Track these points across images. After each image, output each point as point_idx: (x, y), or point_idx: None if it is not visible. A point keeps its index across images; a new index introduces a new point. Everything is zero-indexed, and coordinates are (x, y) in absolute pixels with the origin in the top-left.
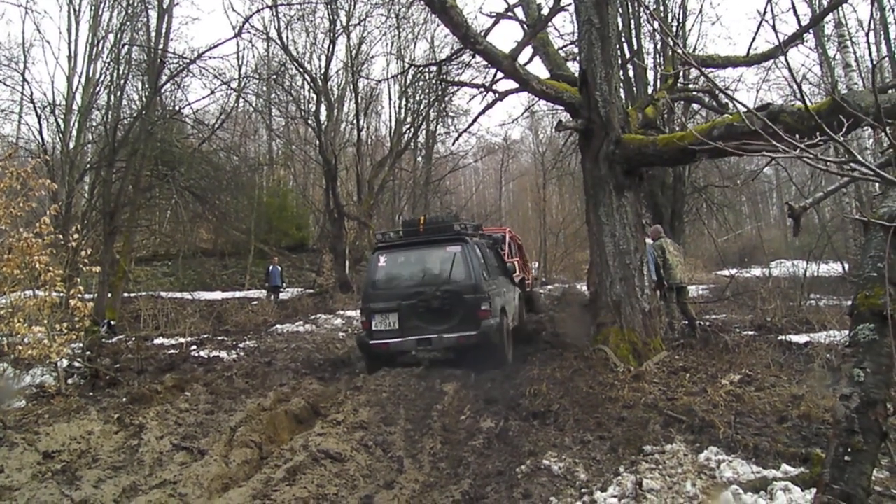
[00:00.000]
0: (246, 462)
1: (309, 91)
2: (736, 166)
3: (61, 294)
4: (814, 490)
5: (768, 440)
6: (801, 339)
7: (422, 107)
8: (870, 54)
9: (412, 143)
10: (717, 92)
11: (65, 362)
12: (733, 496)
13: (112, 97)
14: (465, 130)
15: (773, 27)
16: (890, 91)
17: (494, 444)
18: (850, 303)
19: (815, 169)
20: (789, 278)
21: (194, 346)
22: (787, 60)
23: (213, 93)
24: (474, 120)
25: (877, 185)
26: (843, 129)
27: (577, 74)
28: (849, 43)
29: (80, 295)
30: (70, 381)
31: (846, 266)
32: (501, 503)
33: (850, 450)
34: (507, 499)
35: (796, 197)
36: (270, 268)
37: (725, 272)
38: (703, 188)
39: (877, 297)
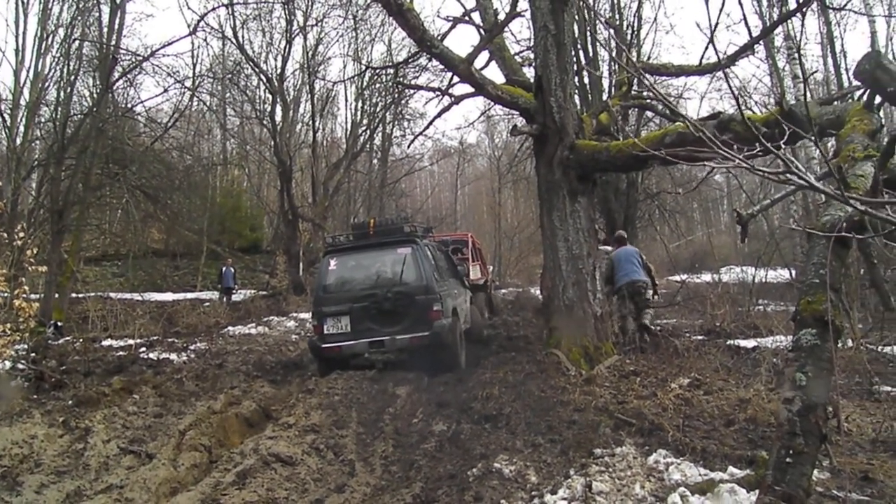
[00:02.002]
0: (195, 466)
1: (264, 91)
2: (688, 173)
3: (5, 294)
4: (758, 491)
5: (716, 443)
6: (749, 343)
7: (378, 109)
8: (825, 65)
9: (368, 146)
10: (669, 99)
11: (8, 364)
12: (680, 498)
13: (62, 93)
14: (420, 133)
15: (712, 41)
16: (835, 103)
17: (446, 448)
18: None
19: (764, 178)
20: (738, 284)
21: (143, 348)
22: (726, 74)
23: (166, 91)
24: (430, 123)
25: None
26: (785, 139)
27: (532, 80)
28: (797, 55)
29: (24, 295)
30: (13, 383)
31: (793, 272)
32: None
33: (791, 452)
34: (458, 502)
35: (745, 205)
36: (224, 269)
37: (676, 277)
38: (656, 194)
39: (819, 302)
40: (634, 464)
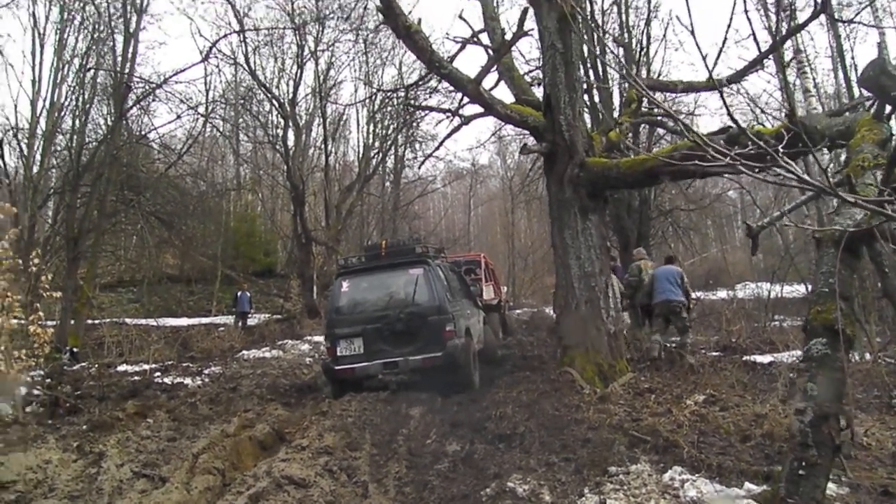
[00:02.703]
0: (208, 489)
1: (276, 116)
2: (701, 190)
3: (21, 321)
4: None
5: (731, 459)
6: (765, 359)
7: (389, 132)
8: (836, 79)
9: (380, 169)
10: (678, 117)
11: (23, 389)
12: None
13: (77, 121)
14: (431, 154)
15: (719, 58)
16: (845, 114)
17: (460, 468)
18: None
19: (779, 192)
20: (754, 300)
21: (158, 373)
22: (719, 91)
23: (179, 117)
24: (441, 143)
25: (833, 202)
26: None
27: (541, 99)
28: (807, 69)
29: (40, 321)
30: (28, 408)
31: (809, 287)
32: None
33: (804, 464)
34: None
35: (758, 219)
36: (239, 294)
37: (692, 295)
38: (669, 212)
39: (829, 312)
40: (649, 481)
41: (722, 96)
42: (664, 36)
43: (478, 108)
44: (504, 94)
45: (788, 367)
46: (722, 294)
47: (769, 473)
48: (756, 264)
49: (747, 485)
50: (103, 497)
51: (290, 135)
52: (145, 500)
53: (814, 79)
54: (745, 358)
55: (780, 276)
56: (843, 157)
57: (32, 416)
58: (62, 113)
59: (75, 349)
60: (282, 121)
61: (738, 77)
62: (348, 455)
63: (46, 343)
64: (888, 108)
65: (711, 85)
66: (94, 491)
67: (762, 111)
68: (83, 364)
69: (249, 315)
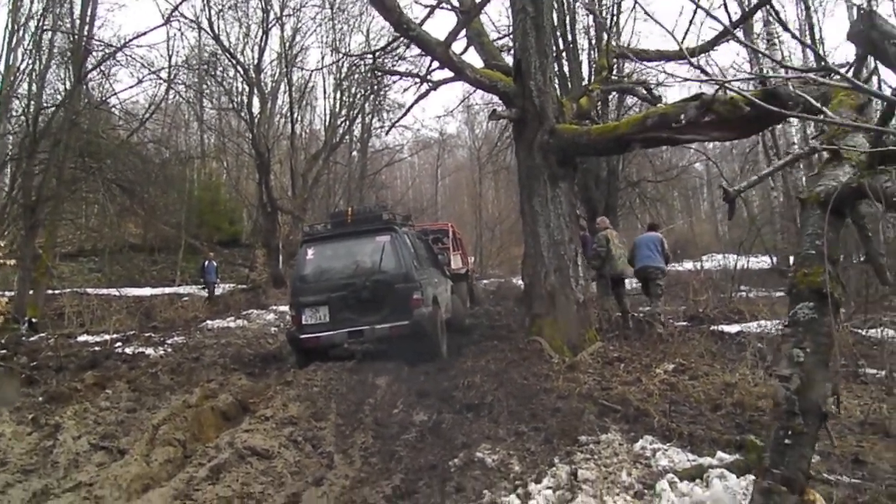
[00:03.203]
0: (168, 461)
1: (241, 83)
2: (668, 161)
3: None
4: (749, 476)
5: (703, 428)
6: (733, 328)
7: (356, 99)
8: (803, 52)
9: (347, 137)
10: (649, 84)
11: None
12: (669, 485)
13: (34, 86)
14: (398, 120)
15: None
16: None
17: (427, 438)
18: (779, 294)
19: (744, 164)
20: (720, 271)
21: (119, 343)
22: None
23: (140, 82)
24: (408, 109)
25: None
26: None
27: (511, 65)
28: (777, 40)
29: None
30: None
31: (775, 259)
32: (433, 497)
33: (790, 433)
34: (440, 493)
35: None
36: (206, 263)
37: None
38: (636, 183)
39: (816, 274)
40: (620, 450)
41: (694, 63)
42: (634, 6)
43: (447, 74)
44: (473, 60)
45: (757, 336)
46: (689, 265)
47: (742, 442)
48: (722, 236)
49: (719, 454)
50: (58, 470)
51: (256, 102)
52: (103, 473)
53: (782, 51)
54: (712, 328)
55: (747, 247)
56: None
57: None
58: (18, 77)
59: (34, 319)
60: (247, 87)
61: (709, 46)
62: (313, 425)
63: (1, 313)
64: (864, 73)
65: (682, 54)
66: (49, 464)
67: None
68: (42, 335)
69: (216, 284)
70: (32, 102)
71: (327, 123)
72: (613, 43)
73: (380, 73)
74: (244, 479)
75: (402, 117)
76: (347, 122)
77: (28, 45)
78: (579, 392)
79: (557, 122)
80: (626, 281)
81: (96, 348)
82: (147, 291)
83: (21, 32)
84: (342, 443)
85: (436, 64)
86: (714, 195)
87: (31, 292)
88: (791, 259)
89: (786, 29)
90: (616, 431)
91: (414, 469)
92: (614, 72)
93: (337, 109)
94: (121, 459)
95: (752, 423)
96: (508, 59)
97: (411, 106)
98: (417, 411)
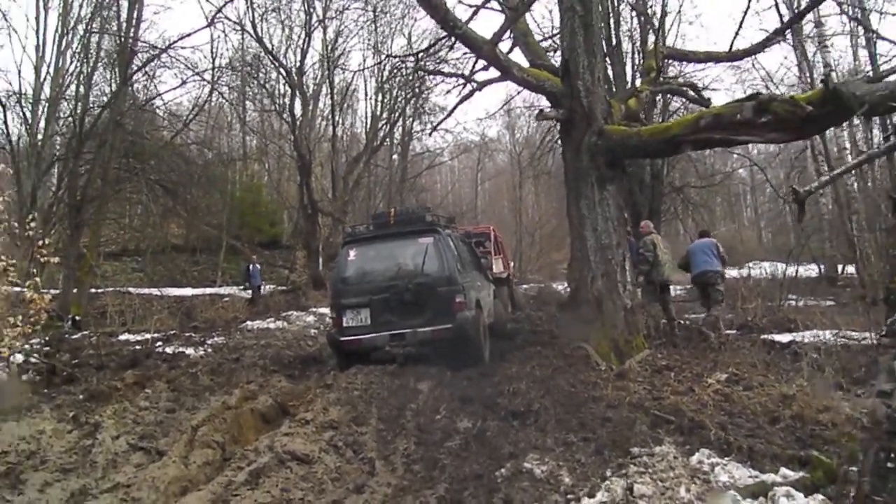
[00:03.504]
0: (207, 463)
1: (284, 85)
2: (711, 167)
3: (17, 286)
4: (818, 496)
5: (762, 442)
6: (784, 338)
7: (398, 102)
8: (855, 54)
9: (388, 140)
10: (699, 86)
11: (20, 357)
12: (733, 502)
13: (81, 88)
14: (442, 121)
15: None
16: (886, 79)
17: (472, 446)
18: (828, 303)
19: (790, 171)
20: (767, 278)
21: (160, 343)
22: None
23: (184, 83)
24: (452, 110)
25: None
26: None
27: (558, 65)
28: (828, 42)
29: (37, 288)
30: (25, 377)
31: (822, 267)
32: None
33: (893, 455)
34: None
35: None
36: (250, 266)
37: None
38: (680, 188)
39: None
40: (676, 464)
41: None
42: (680, 9)
43: (491, 74)
44: (518, 60)
45: (813, 346)
46: (733, 272)
47: (806, 458)
48: (765, 243)
49: (783, 470)
50: (97, 470)
51: (297, 104)
52: (141, 475)
53: (832, 53)
54: (762, 336)
55: (796, 255)
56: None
57: (28, 385)
58: (66, 79)
59: (77, 317)
60: (289, 90)
61: (759, 48)
62: (354, 430)
63: (44, 310)
64: None
65: (732, 55)
66: (88, 464)
67: (776, 87)
68: (84, 333)
69: (261, 288)
70: (79, 104)
71: (368, 126)
72: (661, 44)
73: (423, 74)
74: (284, 484)
75: (445, 118)
76: (388, 125)
77: (76, 47)
78: (629, 401)
79: (606, 123)
80: (670, 287)
81: (137, 347)
82: (188, 291)
83: (70, 36)
84: (384, 449)
85: (480, 64)
86: (758, 201)
87: (74, 290)
88: (840, 267)
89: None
90: (670, 444)
91: (459, 478)
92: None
93: (378, 112)
94: (159, 461)
95: (814, 437)
96: (554, 60)
97: (455, 107)
98: (461, 418)
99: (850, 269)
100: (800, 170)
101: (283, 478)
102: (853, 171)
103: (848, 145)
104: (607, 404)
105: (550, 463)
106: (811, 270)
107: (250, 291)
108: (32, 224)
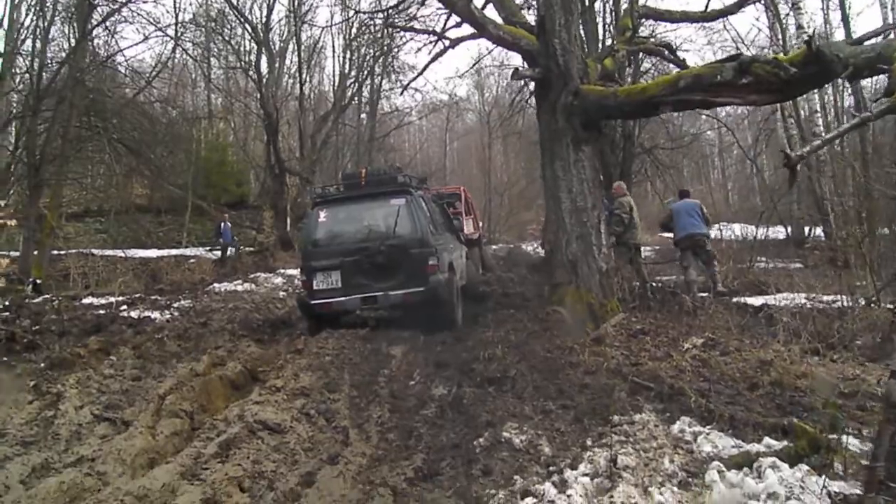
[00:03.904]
0: (175, 434)
1: (249, 41)
2: (680, 129)
3: None
4: (803, 467)
5: (742, 409)
6: (756, 301)
7: (366, 60)
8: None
9: (356, 99)
10: (674, 47)
11: None
12: (718, 474)
13: (38, 42)
14: (413, 79)
15: None
16: (869, 41)
17: (448, 413)
18: (796, 265)
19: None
20: (737, 241)
21: (125, 306)
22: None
23: (146, 39)
24: (424, 68)
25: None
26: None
27: (534, 23)
28: (801, 3)
29: None
30: None
31: (790, 230)
32: (459, 481)
33: None
34: (465, 476)
35: (738, 159)
36: (222, 225)
37: (670, 234)
38: (650, 149)
39: None
40: (657, 433)
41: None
42: None
43: (464, 31)
44: (492, 17)
45: (788, 311)
46: None
47: (788, 427)
48: (732, 205)
49: (766, 440)
50: (60, 443)
51: (264, 61)
52: (106, 447)
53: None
54: (734, 300)
55: (767, 217)
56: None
57: None
58: (21, 33)
59: (38, 281)
60: (255, 46)
61: (735, 8)
62: (326, 397)
63: (3, 274)
64: None
65: (706, 15)
66: (50, 436)
67: (747, 49)
68: (46, 296)
69: (234, 248)
70: (36, 60)
71: (336, 84)
72: (637, 2)
73: (394, 30)
74: (255, 455)
75: (417, 77)
76: (357, 84)
77: (32, 0)
78: (607, 367)
79: (582, 82)
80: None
81: (101, 311)
82: (153, 253)
83: None
84: (357, 417)
85: (453, 21)
86: (726, 163)
87: (35, 253)
88: (807, 230)
89: None
90: (650, 411)
91: (435, 448)
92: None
93: (346, 70)
94: (125, 432)
95: (793, 404)
96: (529, 18)
97: (428, 65)
98: (436, 384)
99: (817, 231)
100: (768, 133)
101: (254, 449)
102: (823, 133)
103: (819, 108)
104: (585, 370)
105: (529, 432)
106: (778, 233)
107: (220, 251)
108: None
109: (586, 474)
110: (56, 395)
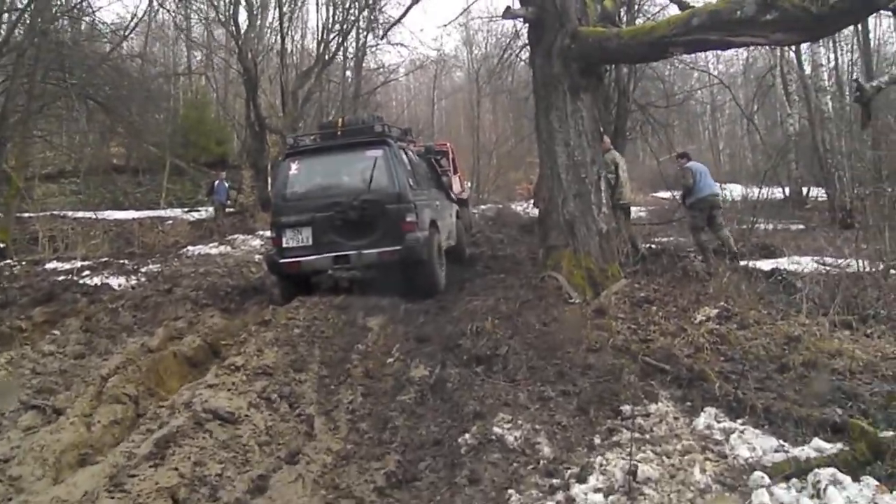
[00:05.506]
0: (115, 423)
1: None
2: (673, 86)
3: None
4: (870, 480)
5: (776, 397)
6: (765, 265)
7: (350, 13)
8: None
9: (340, 54)
10: None
11: None
12: (767, 492)
13: None
14: (397, 21)
15: None
16: None
17: (429, 400)
18: (798, 227)
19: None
20: (737, 201)
21: (87, 272)
22: None
23: None
24: (408, 9)
25: None
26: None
27: None
28: None
29: None
30: None
31: (788, 190)
32: (439, 490)
33: None
34: (448, 483)
35: (731, 116)
36: (216, 182)
37: (663, 194)
38: (644, 106)
39: None
40: (679, 429)
41: None
42: None
43: None
44: None
45: (811, 278)
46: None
47: (841, 424)
48: (722, 165)
49: (816, 441)
50: None
51: (243, 13)
52: (26, 443)
53: None
54: (741, 263)
55: (770, 177)
56: None
57: None
58: None
59: (2, 244)
60: None
61: None
62: (291, 378)
63: None
64: None
65: None
66: None
67: None
68: (8, 261)
69: (227, 205)
70: None
71: (319, 39)
72: None
73: None
74: (198, 455)
75: (401, 18)
76: (341, 38)
77: None
78: (613, 344)
79: (580, 24)
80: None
81: (60, 278)
82: (130, 215)
83: None
84: (325, 402)
85: None
86: (718, 122)
87: (0, 215)
88: (805, 190)
89: None
90: (667, 400)
91: (413, 445)
92: None
93: (330, 24)
94: (54, 422)
95: (837, 391)
96: None
97: (411, 6)
98: (416, 363)
99: (815, 191)
100: (767, 87)
101: (197, 447)
102: (828, 87)
103: (824, 62)
104: (587, 347)
105: (525, 426)
106: (776, 193)
107: (212, 209)
108: None
109: (599, 489)
110: None
